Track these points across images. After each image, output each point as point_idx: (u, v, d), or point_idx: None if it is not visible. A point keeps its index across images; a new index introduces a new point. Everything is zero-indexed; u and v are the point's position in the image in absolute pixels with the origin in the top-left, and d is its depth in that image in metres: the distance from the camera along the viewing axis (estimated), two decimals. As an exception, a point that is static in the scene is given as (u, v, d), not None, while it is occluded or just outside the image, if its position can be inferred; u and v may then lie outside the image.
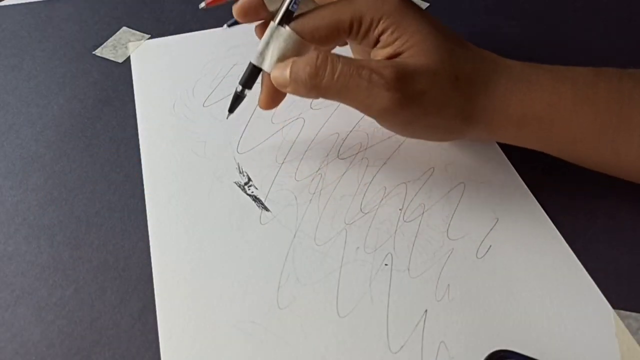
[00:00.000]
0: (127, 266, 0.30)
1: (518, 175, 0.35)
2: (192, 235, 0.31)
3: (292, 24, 0.30)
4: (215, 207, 0.33)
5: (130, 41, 0.44)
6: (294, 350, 0.27)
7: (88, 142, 0.36)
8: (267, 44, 0.30)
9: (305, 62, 0.29)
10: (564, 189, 0.34)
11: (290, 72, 0.29)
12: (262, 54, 0.30)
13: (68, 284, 0.29)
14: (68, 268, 0.30)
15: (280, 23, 0.30)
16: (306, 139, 0.36)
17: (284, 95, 0.32)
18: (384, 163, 0.35)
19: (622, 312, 0.29)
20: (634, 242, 0.32)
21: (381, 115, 0.30)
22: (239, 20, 0.32)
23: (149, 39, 0.44)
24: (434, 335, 0.28)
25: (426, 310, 0.28)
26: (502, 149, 0.36)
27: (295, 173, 0.35)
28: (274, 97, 0.32)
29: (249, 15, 0.32)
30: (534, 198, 0.34)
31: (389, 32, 0.29)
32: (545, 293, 0.29)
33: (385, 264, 0.30)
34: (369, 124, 0.37)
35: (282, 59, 0.30)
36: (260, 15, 0.32)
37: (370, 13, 0.29)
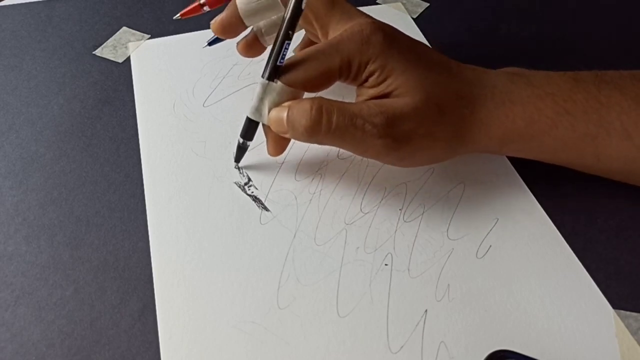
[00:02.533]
0: (127, 266, 0.30)
1: (518, 175, 0.35)
2: (192, 235, 0.31)
3: (283, 78, 0.30)
4: (215, 207, 0.33)
5: (130, 41, 0.44)
6: (294, 350, 0.27)
7: (88, 142, 0.36)
8: (261, 99, 0.31)
9: (301, 114, 0.30)
10: (564, 189, 0.34)
11: (288, 122, 0.30)
12: (258, 109, 0.31)
13: (68, 284, 0.29)
14: (68, 268, 0.30)
15: (270, 78, 0.30)
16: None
17: (289, 140, 0.33)
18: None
19: (622, 312, 0.29)
20: (634, 242, 0.32)
21: (376, 157, 0.31)
22: (218, 36, 0.34)
23: (149, 39, 0.44)
24: (434, 335, 0.28)
25: (426, 310, 0.28)
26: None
27: (295, 173, 0.35)
28: (280, 144, 0.33)
29: (227, 32, 0.34)
30: (534, 198, 0.34)
31: (376, 74, 0.30)
32: (545, 293, 0.29)
33: (385, 264, 0.30)
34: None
35: None
36: (239, 31, 0.34)
37: (358, 58, 0.30)
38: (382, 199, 0.33)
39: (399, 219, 0.32)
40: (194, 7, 0.35)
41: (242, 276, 0.30)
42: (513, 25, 0.47)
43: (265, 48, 0.36)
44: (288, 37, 0.30)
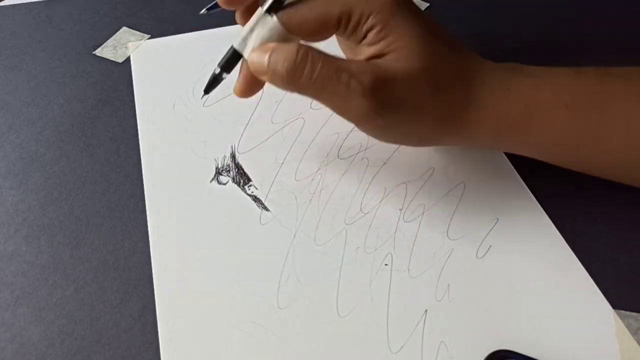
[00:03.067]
0: (127, 266, 0.30)
1: (518, 175, 0.35)
2: (192, 235, 0.31)
3: (280, 14, 0.28)
4: (215, 207, 0.33)
5: (130, 41, 0.44)
6: (294, 350, 0.27)
7: (88, 142, 0.36)
8: (252, 30, 0.29)
9: (285, 56, 0.27)
10: (564, 189, 0.34)
11: (269, 62, 0.28)
12: (244, 40, 0.29)
13: (68, 284, 0.29)
14: (68, 268, 0.30)
15: (268, 11, 0.28)
16: (306, 139, 0.36)
17: (262, 85, 0.31)
18: (384, 163, 0.35)
19: (622, 312, 0.29)
20: (634, 242, 0.32)
21: (356, 121, 0.29)
22: (223, 6, 0.31)
23: (149, 39, 0.44)
24: (434, 335, 0.28)
25: (426, 310, 0.28)
26: (502, 149, 0.36)
27: (295, 173, 0.35)
28: (250, 86, 0.31)
29: (233, 1, 0.30)
30: (534, 198, 0.34)
31: (376, 29, 0.28)
32: (545, 293, 0.29)
33: (385, 264, 0.30)
34: (369, 124, 0.37)
35: None
36: (245, 1, 0.31)
37: (360, 8, 0.28)
38: (382, 199, 0.33)
39: (399, 219, 0.32)
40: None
41: (242, 276, 0.30)
42: (513, 25, 0.47)
43: (249, 1, 0.32)
44: None
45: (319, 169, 0.35)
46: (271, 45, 0.28)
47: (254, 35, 0.29)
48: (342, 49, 0.33)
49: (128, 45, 0.44)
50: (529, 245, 0.31)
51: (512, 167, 0.35)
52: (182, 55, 0.42)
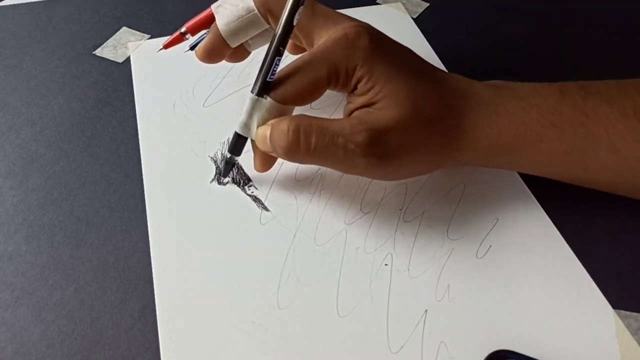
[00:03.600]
0: (127, 266, 0.30)
1: (518, 175, 0.35)
2: (192, 235, 0.31)
3: (273, 94, 0.29)
4: (215, 207, 0.33)
5: (130, 41, 0.44)
6: (294, 350, 0.27)
7: (88, 142, 0.36)
8: (250, 115, 0.30)
9: (279, 135, 0.29)
10: (564, 189, 0.34)
11: (270, 142, 0.30)
12: (246, 125, 0.31)
13: (68, 284, 0.29)
14: (68, 268, 0.30)
15: (260, 94, 0.30)
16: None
17: (276, 158, 0.33)
18: (384, 163, 0.35)
19: (622, 312, 0.29)
20: (634, 242, 0.32)
21: (362, 175, 0.31)
22: (203, 61, 0.33)
23: (149, 39, 0.44)
24: (434, 335, 0.28)
25: (426, 310, 0.28)
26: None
27: (295, 173, 0.35)
28: (267, 161, 0.33)
29: (213, 56, 0.33)
30: (534, 198, 0.34)
31: (364, 80, 0.29)
32: (545, 293, 0.29)
33: (385, 264, 0.30)
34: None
35: None
36: (224, 53, 0.33)
37: (344, 64, 0.29)
38: (382, 199, 0.33)
39: (399, 219, 0.32)
40: (175, 37, 0.34)
41: (242, 276, 0.30)
42: (513, 25, 0.47)
43: (227, 53, 0.34)
44: (279, 53, 0.29)
45: (319, 169, 0.35)
46: (270, 122, 0.30)
47: (254, 118, 0.30)
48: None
49: (128, 45, 0.44)
50: (529, 245, 0.31)
51: (512, 167, 0.35)
52: (182, 55, 0.42)
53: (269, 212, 0.33)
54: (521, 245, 0.31)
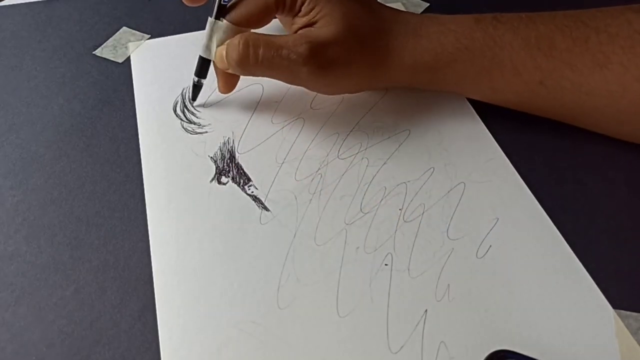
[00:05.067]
0: (127, 266, 0.30)
1: (518, 175, 0.35)
2: (192, 235, 0.31)
3: (228, 16, 0.34)
4: (215, 207, 0.33)
5: (130, 41, 0.44)
6: (294, 350, 0.27)
7: (88, 142, 0.36)
8: (210, 37, 0.34)
9: (232, 49, 0.33)
10: (564, 189, 0.34)
11: (226, 57, 0.34)
12: (208, 47, 0.35)
13: (68, 284, 0.29)
14: (68, 268, 0.30)
15: (217, 17, 0.34)
16: (306, 139, 0.36)
17: (237, 78, 0.37)
18: (384, 163, 0.35)
19: (622, 312, 0.29)
20: (634, 242, 0.32)
21: (303, 84, 0.35)
22: (187, 3, 0.36)
23: (149, 39, 0.44)
24: (434, 335, 0.28)
25: (426, 310, 0.28)
26: (502, 149, 0.36)
27: (295, 173, 0.35)
28: (228, 81, 0.37)
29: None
30: (534, 198, 0.34)
31: (306, 2, 0.33)
32: (545, 293, 0.29)
33: (385, 264, 0.30)
34: (369, 124, 0.37)
35: None
36: None
37: None
38: (382, 199, 0.33)
39: (399, 219, 0.32)
40: None
41: (242, 276, 0.30)
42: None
43: None
44: None
45: (319, 169, 0.35)
46: (224, 44, 0.34)
47: (214, 40, 0.34)
48: (282, 24, 0.39)
49: (128, 45, 0.44)
50: (529, 245, 0.31)
51: (512, 167, 0.35)
52: (182, 55, 0.42)
53: (269, 212, 0.33)
54: (521, 245, 0.31)
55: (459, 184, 0.34)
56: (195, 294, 0.29)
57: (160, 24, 0.46)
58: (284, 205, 0.33)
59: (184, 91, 0.40)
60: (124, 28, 0.45)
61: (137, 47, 0.43)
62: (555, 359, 0.27)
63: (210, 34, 0.34)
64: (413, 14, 0.37)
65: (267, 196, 0.33)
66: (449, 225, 0.32)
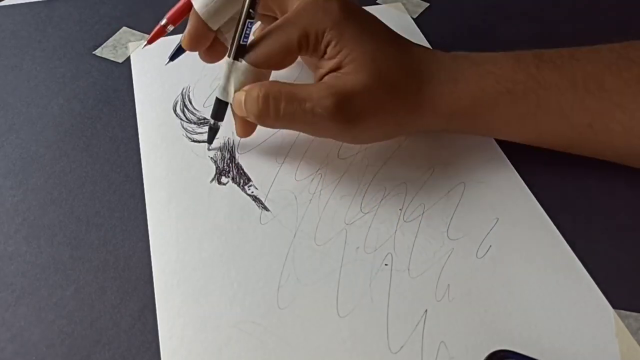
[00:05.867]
0: (127, 266, 0.30)
1: (518, 175, 0.35)
2: (192, 235, 0.31)
3: (247, 57, 0.31)
4: (215, 207, 0.33)
5: (130, 41, 0.44)
6: (294, 350, 0.27)
7: (88, 142, 0.36)
8: (228, 78, 0.32)
9: (251, 102, 0.31)
10: (564, 189, 0.34)
11: (245, 107, 0.31)
12: (225, 89, 0.32)
13: (68, 284, 0.29)
14: (68, 268, 0.30)
15: (235, 57, 0.31)
16: (306, 139, 0.36)
17: (256, 125, 0.34)
18: (384, 163, 0.35)
19: (622, 312, 0.29)
20: (634, 242, 0.32)
21: (331, 137, 0.33)
22: (190, 50, 0.34)
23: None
24: (434, 335, 0.28)
25: (426, 310, 0.28)
26: (502, 148, 0.36)
27: (295, 173, 0.35)
28: (247, 126, 0.34)
29: (197, 42, 0.34)
30: (534, 198, 0.34)
31: (332, 44, 0.30)
32: (545, 293, 0.29)
33: (385, 264, 0.30)
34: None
35: None
36: (209, 37, 0.34)
37: (314, 27, 0.30)
38: (382, 199, 0.33)
39: (399, 219, 0.32)
40: (157, 31, 0.35)
41: (242, 276, 0.30)
42: (513, 25, 0.47)
43: (212, 37, 0.34)
44: (250, 16, 0.30)
45: (319, 169, 0.35)
46: (244, 89, 0.31)
47: (232, 82, 0.32)
48: (308, 65, 0.36)
49: (128, 45, 0.44)
50: (529, 245, 0.31)
51: (512, 167, 0.35)
52: (182, 55, 0.42)
53: (269, 212, 0.33)
54: (521, 245, 0.31)
55: (459, 184, 0.34)
56: (195, 294, 0.29)
57: (160, 24, 0.46)
58: (284, 205, 0.33)
59: (184, 91, 0.40)
60: (124, 28, 0.45)
61: (137, 47, 0.43)
62: (555, 359, 0.27)
63: (227, 75, 0.31)
64: (444, 53, 0.34)
65: (267, 196, 0.33)
66: (449, 225, 0.32)
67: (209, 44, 0.34)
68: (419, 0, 0.49)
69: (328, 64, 0.31)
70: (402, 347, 0.27)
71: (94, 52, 0.43)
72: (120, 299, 0.29)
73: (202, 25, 0.33)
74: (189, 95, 0.39)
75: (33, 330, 0.28)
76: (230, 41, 0.31)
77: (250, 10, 0.30)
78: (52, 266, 0.30)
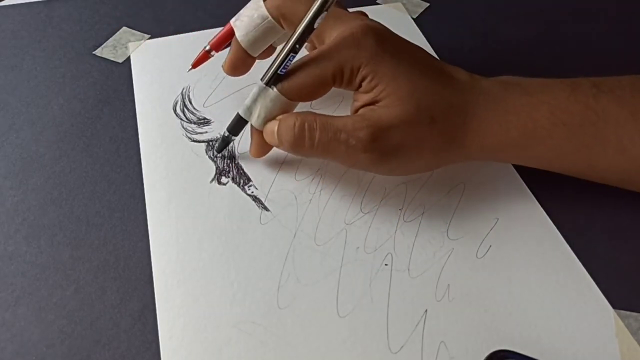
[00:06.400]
0: (127, 266, 0.30)
1: (518, 175, 0.35)
2: (192, 235, 0.31)
3: (279, 85, 0.30)
4: (215, 207, 0.33)
5: (130, 41, 0.44)
6: (294, 350, 0.27)
7: (88, 142, 0.36)
8: (255, 101, 0.31)
9: (286, 130, 0.30)
10: (564, 189, 0.34)
11: (278, 136, 0.31)
12: (249, 109, 0.32)
13: (68, 284, 0.29)
14: (68, 268, 0.30)
15: (268, 84, 0.31)
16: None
17: (271, 147, 0.34)
18: (384, 163, 0.35)
19: (622, 312, 0.29)
20: (634, 242, 0.32)
21: (366, 170, 0.32)
22: (232, 75, 0.35)
23: (149, 39, 0.44)
24: (434, 335, 0.28)
25: (426, 310, 0.28)
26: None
27: (295, 173, 0.35)
28: (264, 148, 0.34)
29: (238, 69, 0.34)
30: (534, 198, 0.34)
31: (368, 79, 0.30)
32: (545, 293, 0.29)
33: (385, 264, 0.30)
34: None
35: (269, 117, 0.31)
36: (249, 64, 0.34)
37: (349, 62, 0.30)
38: (382, 199, 0.33)
39: (399, 219, 0.32)
40: (202, 56, 0.36)
41: (242, 276, 0.30)
42: (513, 25, 0.47)
43: (252, 63, 0.35)
44: (294, 50, 0.30)
45: (319, 169, 0.35)
46: (279, 118, 0.31)
47: (258, 105, 0.31)
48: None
49: (128, 45, 0.44)
50: (529, 245, 0.31)
51: (512, 167, 0.35)
52: (182, 55, 0.42)
53: (269, 212, 0.33)
54: (521, 245, 0.31)
55: (459, 184, 0.34)
56: (195, 294, 0.29)
57: (160, 24, 0.46)
58: (284, 205, 0.33)
59: (184, 91, 0.40)
60: (124, 28, 0.45)
61: (137, 47, 0.43)
62: (555, 359, 0.27)
63: (255, 98, 0.31)
64: (493, 80, 0.32)
65: (267, 196, 0.33)
66: (449, 225, 0.32)
67: (249, 70, 0.35)
68: (419, 0, 0.49)
69: (364, 98, 0.31)
70: (402, 347, 0.27)
71: (94, 52, 0.43)
72: (120, 299, 0.29)
73: (243, 53, 0.33)
74: (189, 95, 0.39)
75: (33, 330, 0.28)
76: (269, 67, 0.31)
77: (297, 45, 0.30)
78: (52, 266, 0.30)
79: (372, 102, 0.30)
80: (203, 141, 0.36)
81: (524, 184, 0.34)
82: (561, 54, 0.44)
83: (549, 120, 0.30)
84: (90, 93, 0.40)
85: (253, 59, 0.34)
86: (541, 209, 0.33)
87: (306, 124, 0.30)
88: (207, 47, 0.36)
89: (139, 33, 0.45)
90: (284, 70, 0.30)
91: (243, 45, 0.33)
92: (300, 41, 0.30)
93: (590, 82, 0.31)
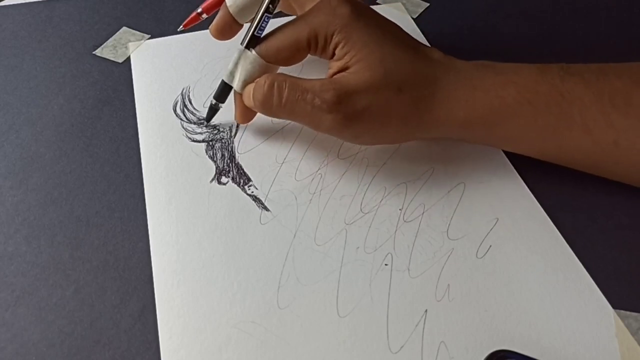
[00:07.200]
0: (127, 266, 0.30)
1: (518, 175, 0.35)
2: (192, 235, 0.31)
3: (257, 48, 0.32)
4: (215, 207, 0.33)
5: (130, 41, 0.44)
6: (294, 350, 0.27)
7: (88, 142, 0.36)
8: (236, 64, 0.33)
9: (257, 89, 0.32)
10: (564, 189, 0.34)
11: (252, 96, 0.32)
12: (232, 73, 0.33)
13: (68, 284, 0.29)
14: (68, 268, 0.30)
15: (247, 47, 0.32)
16: (306, 139, 0.36)
17: (255, 112, 0.35)
18: (384, 163, 0.35)
19: (622, 312, 0.29)
20: (634, 242, 0.32)
21: (328, 132, 0.32)
22: (218, 39, 0.35)
23: (149, 39, 0.44)
24: (434, 335, 0.28)
25: (426, 310, 0.28)
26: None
27: (295, 173, 0.35)
28: (247, 113, 0.35)
29: (224, 33, 0.35)
30: (534, 198, 0.34)
31: (340, 45, 0.31)
32: (545, 293, 0.29)
33: (385, 264, 0.30)
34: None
35: (249, 80, 0.33)
36: (235, 31, 0.35)
37: (324, 28, 0.31)
38: (382, 199, 0.33)
39: (399, 219, 0.32)
40: (193, 17, 0.38)
41: (242, 276, 0.30)
42: (513, 25, 0.47)
43: (238, 30, 0.36)
44: (268, 10, 0.32)
45: (319, 169, 0.35)
46: (253, 83, 0.33)
47: (239, 69, 0.33)
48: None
49: (128, 45, 0.44)
50: (529, 245, 0.31)
51: (512, 167, 0.35)
52: (182, 55, 0.42)
53: (269, 212, 0.33)
54: (521, 245, 0.31)
55: (459, 184, 0.34)
56: (195, 294, 0.29)
57: (160, 24, 0.46)
58: (284, 205, 0.33)
59: (184, 91, 0.40)
60: (124, 28, 0.45)
61: (137, 47, 0.43)
62: (555, 359, 0.27)
63: (236, 61, 0.33)
64: (467, 61, 0.33)
65: (267, 196, 0.33)
66: (449, 225, 0.32)
67: (234, 36, 0.35)
68: (419, 0, 0.49)
69: (336, 65, 0.31)
70: (402, 347, 0.27)
71: (94, 52, 0.43)
72: (120, 299, 0.29)
73: (230, 18, 0.34)
74: (189, 95, 0.39)
75: (33, 330, 0.28)
76: (247, 29, 0.32)
77: (270, 6, 0.31)
78: (52, 266, 0.30)
79: (343, 69, 0.31)
80: (203, 141, 0.36)
81: (524, 184, 0.34)
82: (561, 54, 0.44)
83: (515, 99, 0.31)
84: (90, 93, 0.40)
85: (239, 26, 0.35)
86: (541, 209, 0.33)
87: (276, 83, 0.31)
88: (199, 10, 0.37)
89: (139, 33, 0.45)
90: (260, 32, 0.32)
91: (231, 10, 0.34)
92: (272, 1, 0.32)
93: (558, 66, 0.32)
